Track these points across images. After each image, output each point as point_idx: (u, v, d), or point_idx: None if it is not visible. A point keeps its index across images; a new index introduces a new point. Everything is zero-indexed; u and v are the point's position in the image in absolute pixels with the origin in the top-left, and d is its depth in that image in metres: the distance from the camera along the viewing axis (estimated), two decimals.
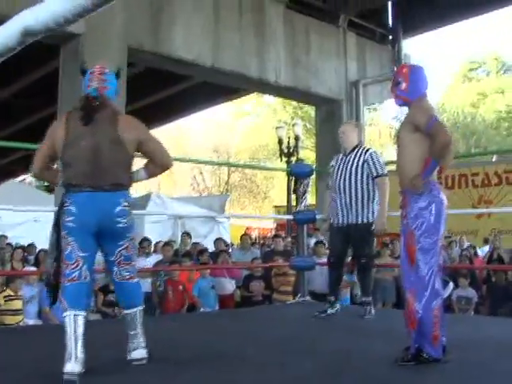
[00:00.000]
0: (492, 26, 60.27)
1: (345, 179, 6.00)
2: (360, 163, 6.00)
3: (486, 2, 16.42)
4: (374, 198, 5.98)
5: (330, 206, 6.31)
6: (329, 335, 5.08)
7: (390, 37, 18.19)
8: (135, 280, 3.92)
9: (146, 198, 16.32)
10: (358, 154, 6.06)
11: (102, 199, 3.69)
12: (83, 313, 3.58)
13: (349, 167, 6.02)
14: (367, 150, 6.12)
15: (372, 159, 5.99)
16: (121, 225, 3.75)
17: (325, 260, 6.95)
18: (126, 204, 3.78)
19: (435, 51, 51.77)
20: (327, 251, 7.55)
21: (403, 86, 4.11)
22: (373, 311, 6.11)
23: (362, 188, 5.95)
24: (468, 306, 9.34)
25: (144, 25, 12.25)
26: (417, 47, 43.96)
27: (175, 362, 3.92)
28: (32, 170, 3.91)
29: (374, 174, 5.96)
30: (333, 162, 6.26)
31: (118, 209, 3.74)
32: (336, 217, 6.08)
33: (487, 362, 3.90)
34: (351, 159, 6.05)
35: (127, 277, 3.85)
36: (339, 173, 6.07)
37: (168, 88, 17.82)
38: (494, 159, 17.56)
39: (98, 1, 1.65)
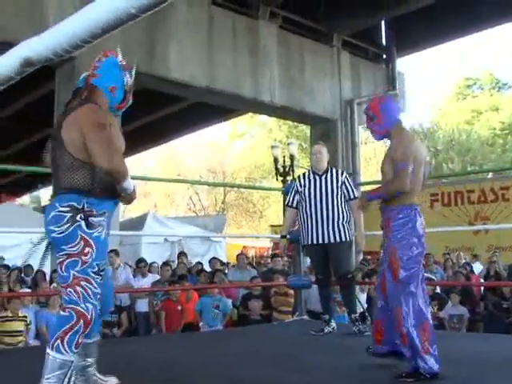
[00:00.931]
0: (485, 44, 60.65)
1: (321, 199, 6.09)
2: (338, 184, 6.14)
3: (479, 20, 16.52)
4: (349, 219, 6.10)
5: (287, 222, 6.48)
6: (325, 353, 5.08)
7: (384, 55, 18.28)
8: (62, 312, 3.18)
9: (142, 219, 16.35)
10: (334, 176, 6.21)
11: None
12: None
13: (328, 188, 6.12)
14: (342, 172, 6.35)
15: (348, 182, 6.21)
16: (54, 234, 3.18)
17: None
18: (62, 209, 3.18)
19: (429, 69, 52.06)
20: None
21: (377, 119, 4.25)
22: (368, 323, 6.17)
23: (340, 208, 6.07)
24: (460, 324, 9.30)
25: (139, 46, 12.29)
26: (411, 65, 44.09)
27: (169, 380, 3.92)
28: None
29: (351, 197, 6.14)
30: (301, 181, 6.30)
31: (52, 214, 3.21)
32: (310, 236, 6.13)
33: (480, 378, 3.91)
34: (328, 180, 6.17)
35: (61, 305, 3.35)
36: (315, 193, 6.14)
37: (163, 109, 17.88)
38: (489, 176, 17.61)
39: (96, 34, 1.69)
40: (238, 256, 12.33)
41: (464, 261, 12.16)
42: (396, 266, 3.94)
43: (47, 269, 9.89)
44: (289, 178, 17.12)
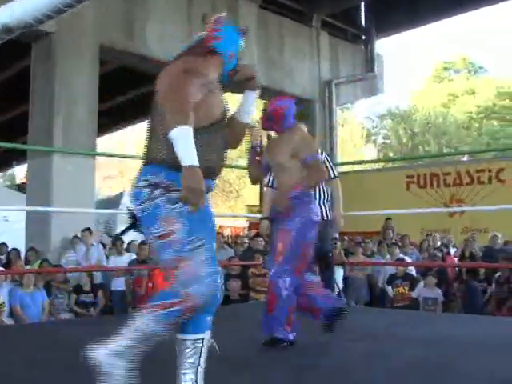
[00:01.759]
0: (463, 28, 60.77)
1: None
2: None
3: (457, 3, 16.55)
4: (328, 197, 6.09)
5: (268, 203, 6.41)
6: (300, 333, 5.09)
7: (363, 37, 18.26)
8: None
9: (118, 197, 16.26)
10: None
11: None
12: None
13: None
14: (322, 152, 6.22)
15: (328, 161, 6.16)
16: (138, 213, 2.80)
17: None
18: (141, 184, 2.78)
19: (408, 52, 52.11)
20: None
21: (277, 124, 4.69)
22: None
23: (319, 188, 6.03)
24: (435, 306, 9.38)
25: (116, 23, 12.18)
26: (390, 47, 44.10)
27: (151, 360, 3.90)
28: None
29: (331, 176, 6.09)
30: None
31: (132, 191, 2.84)
32: None
33: (452, 360, 3.94)
34: None
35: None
36: None
37: (141, 87, 17.72)
38: (465, 159, 17.69)
39: None
40: None
41: (440, 242, 12.21)
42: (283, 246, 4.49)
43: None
44: None
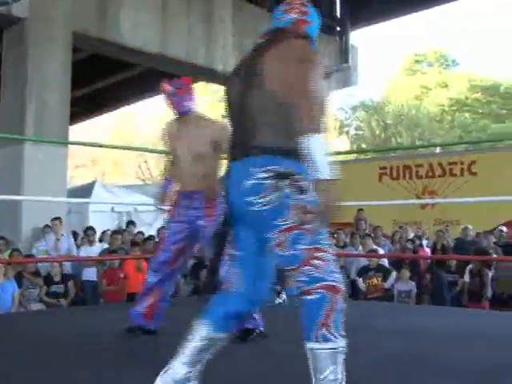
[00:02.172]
0: (436, 21, 60.96)
1: None
2: None
3: None
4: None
5: None
6: (275, 325, 5.07)
7: (338, 28, 18.24)
8: (309, 296, 2.53)
9: (90, 187, 16.14)
10: None
11: None
12: None
13: None
14: None
15: None
16: (258, 207, 2.55)
17: None
18: (263, 174, 2.56)
19: (382, 43, 52.28)
20: None
21: (182, 99, 4.55)
22: None
23: None
24: (408, 298, 9.44)
25: (90, 10, 12.05)
26: (364, 39, 44.16)
27: (124, 353, 3.87)
28: None
29: None
30: None
31: (249, 185, 2.59)
32: None
33: (429, 352, 3.95)
34: None
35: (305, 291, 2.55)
36: None
37: (115, 74, 17.60)
38: (437, 151, 17.77)
39: None
40: None
41: (413, 234, 12.25)
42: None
43: None
44: None
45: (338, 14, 18.19)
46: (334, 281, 2.49)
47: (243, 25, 15.35)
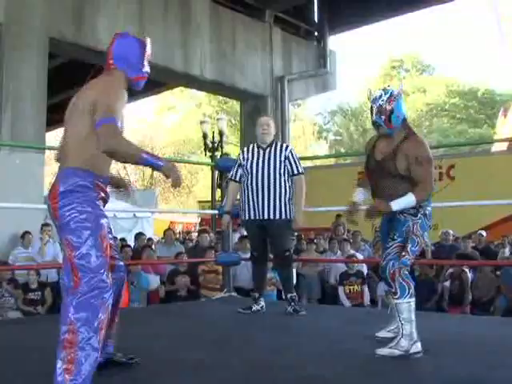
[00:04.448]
0: (413, 27, 61.39)
1: (264, 174, 5.91)
2: (282, 159, 5.93)
3: (409, 2, 16.70)
4: (291, 195, 5.96)
5: (231, 197, 6.28)
6: (255, 332, 5.03)
7: (316, 33, 18.29)
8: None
9: None
10: (278, 150, 5.99)
11: None
12: None
13: (270, 162, 5.93)
14: (287, 147, 6.09)
15: (293, 156, 5.96)
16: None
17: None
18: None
19: (361, 49, 52.45)
20: None
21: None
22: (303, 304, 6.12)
23: (283, 184, 5.90)
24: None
25: (66, 16, 11.98)
26: (342, 44, 44.38)
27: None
28: None
29: (295, 172, 5.95)
30: (245, 155, 6.11)
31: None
32: (252, 211, 5.98)
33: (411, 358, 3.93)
34: (272, 154, 5.96)
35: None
36: (258, 167, 5.95)
37: (92, 80, 17.49)
38: None
39: None
40: (165, 231, 12.18)
41: None
42: None
43: None
44: (217, 154, 16.97)
45: (316, 19, 18.24)
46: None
47: (220, 30, 15.33)
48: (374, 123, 4.18)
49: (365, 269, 10.03)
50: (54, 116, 17.20)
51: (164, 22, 13.88)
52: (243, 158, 6.09)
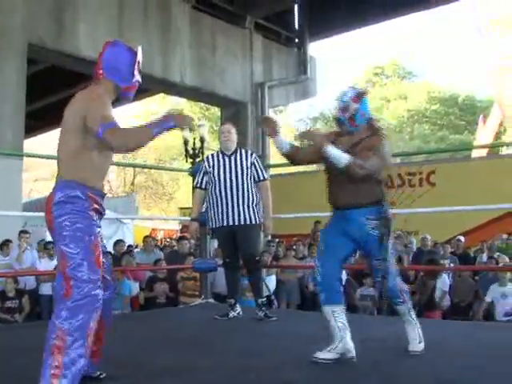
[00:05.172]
0: (393, 33, 61.70)
1: (231, 180, 5.96)
2: (248, 165, 6.00)
3: (390, 9, 16.75)
4: (258, 201, 6.00)
5: (197, 204, 6.32)
6: (233, 338, 5.02)
7: (297, 39, 18.32)
8: None
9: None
10: (244, 156, 6.06)
11: None
12: None
13: (237, 169, 5.99)
14: (252, 153, 6.17)
15: (258, 163, 6.06)
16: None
17: None
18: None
19: (342, 55, 52.63)
20: None
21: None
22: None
23: (249, 190, 5.95)
24: (370, 302, 9.45)
25: (46, 21, 11.92)
26: (323, 50, 44.49)
27: None
28: None
29: (261, 178, 6.02)
30: (210, 162, 6.15)
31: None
32: (219, 218, 6.02)
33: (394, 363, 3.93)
34: (237, 160, 6.03)
35: None
36: (225, 174, 6.00)
37: (72, 87, 17.42)
38: (397, 162, 17.85)
39: None
40: (144, 238, 12.14)
41: None
42: None
43: None
44: (198, 160, 16.92)
45: (297, 25, 18.28)
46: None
47: (200, 36, 15.32)
48: (338, 120, 4.13)
49: (344, 275, 10.03)
50: (36, 122, 17.16)
51: (144, 28, 13.85)
52: (208, 165, 6.14)
